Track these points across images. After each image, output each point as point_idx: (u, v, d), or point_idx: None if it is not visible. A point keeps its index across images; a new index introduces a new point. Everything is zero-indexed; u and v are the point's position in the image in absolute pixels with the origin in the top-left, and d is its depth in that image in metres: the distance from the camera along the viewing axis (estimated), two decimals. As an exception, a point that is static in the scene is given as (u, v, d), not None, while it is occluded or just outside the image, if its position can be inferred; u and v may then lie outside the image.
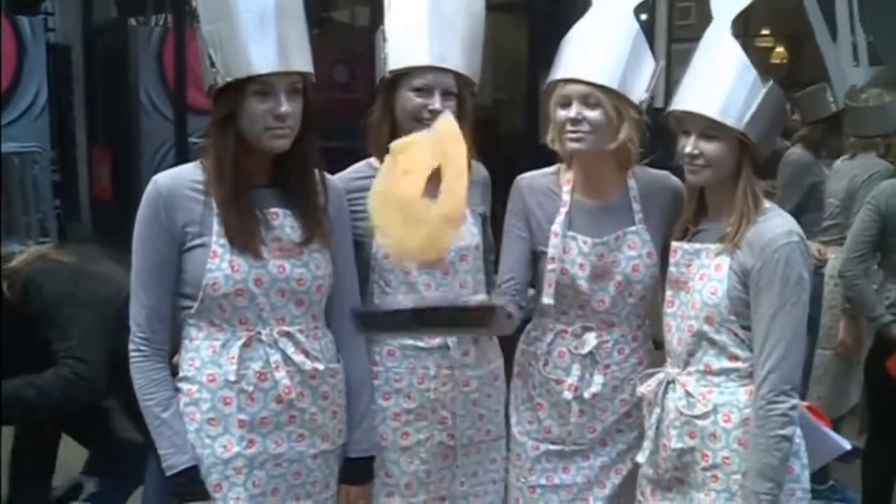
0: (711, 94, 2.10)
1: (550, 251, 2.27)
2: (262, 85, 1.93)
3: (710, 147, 2.10)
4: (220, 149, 1.99)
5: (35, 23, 8.33)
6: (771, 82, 2.14)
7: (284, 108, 1.94)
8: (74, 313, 2.60)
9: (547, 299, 2.27)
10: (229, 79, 1.93)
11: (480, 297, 2.14)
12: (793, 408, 2.06)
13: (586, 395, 2.30)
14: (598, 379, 2.30)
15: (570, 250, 2.27)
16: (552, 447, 2.37)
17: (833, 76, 4.76)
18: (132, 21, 7.94)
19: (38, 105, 8.21)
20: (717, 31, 2.18)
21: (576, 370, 2.31)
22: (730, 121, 2.09)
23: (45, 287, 2.66)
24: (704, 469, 2.14)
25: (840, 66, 4.81)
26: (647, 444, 2.23)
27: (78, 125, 8.69)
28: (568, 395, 2.31)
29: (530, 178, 2.38)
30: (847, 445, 2.33)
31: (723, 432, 2.12)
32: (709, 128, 2.10)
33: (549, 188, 2.34)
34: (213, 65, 1.95)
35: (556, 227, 2.27)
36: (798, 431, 2.12)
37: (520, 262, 2.34)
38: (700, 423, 2.13)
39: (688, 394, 2.16)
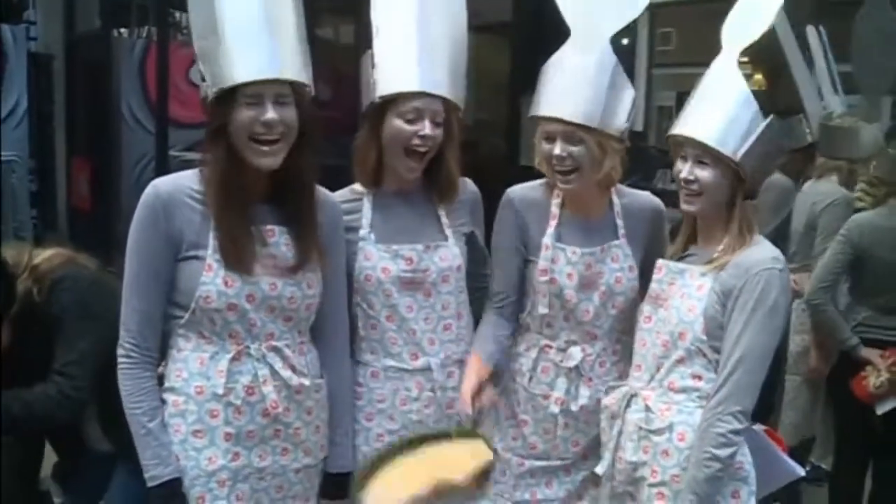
0: (711, 123, 2.13)
1: (541, 263, 2.31)
2: (250, 94, 1.91)
3: (704, 174, 2.14)
4: (214, 162, 1.98)
5: (17, 31, 8.26)
6: (771, 117, 2.18)
7: (270, 114, 1.92)
8: (85, 326, 2.47)
9: (543, 308, 2.31)
10: (216, 90, 1.92)
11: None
12: (736, 432, 2.05)
13: (573, 407, 2.34)
14: (585, 392, 2.34)
15: (558, 260, 2.31)
16: (537, 463, 2.41)
17: (808, 107, 4.84)
18: (115, 32, 7.90)
19: (18, 114, 8.13)
20: (724, 62, 2.21)
21: (561, 384, 2.34)
22: (727, 151, 2.12)
23: (70, 293, 2.52)
24: (651, 485, 2.15)
25: (814, 97, 4.90)
26: (606, 456, 2.25)
27: (58, 135, 8.61)
28: (555, 408, 2.34)
29: (521, 190, 2.41)
30: (801, 472, 2.33)
31: (675, 450, 2.13)
32: (704, 155, 2.13)
33: (539, 200, 2.38)
34: (203, 79, 1.95)
35: (547, 239, 2.31)
36: (748, 458, 2.13)
37: (512, 278, 2.37)
38: (655, 438, 2.15)
39: (647, 408, 2.17)
